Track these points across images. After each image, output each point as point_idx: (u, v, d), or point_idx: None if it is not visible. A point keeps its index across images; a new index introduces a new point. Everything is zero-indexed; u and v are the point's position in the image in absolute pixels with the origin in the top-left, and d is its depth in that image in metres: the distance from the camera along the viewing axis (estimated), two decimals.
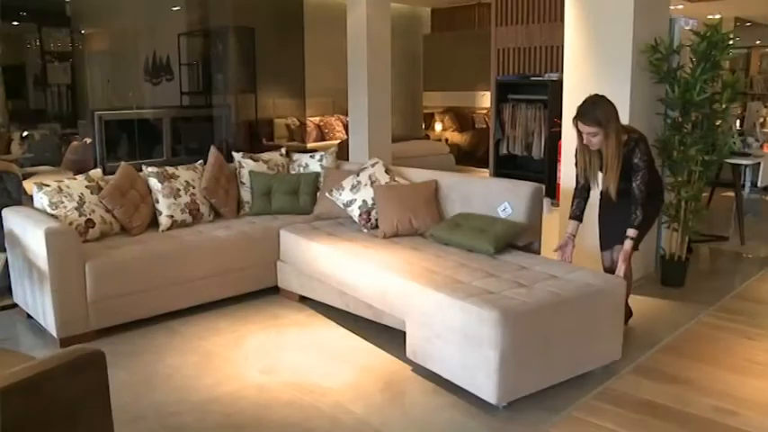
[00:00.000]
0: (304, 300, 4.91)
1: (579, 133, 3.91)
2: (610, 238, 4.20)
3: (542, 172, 7.23)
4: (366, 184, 4.98)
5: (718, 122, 5.10)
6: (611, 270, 4.11)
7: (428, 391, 3.60)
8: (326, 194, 5.13)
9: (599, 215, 4.33)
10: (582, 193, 4.17)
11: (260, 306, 4.86)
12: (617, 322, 3.74)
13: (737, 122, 7.44)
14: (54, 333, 4.18)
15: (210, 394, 3.56)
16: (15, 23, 8.80)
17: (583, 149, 4.00)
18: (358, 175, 5.08)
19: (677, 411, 3.32)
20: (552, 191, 6.17)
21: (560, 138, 5.45)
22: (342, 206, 5.00)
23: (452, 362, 3.48)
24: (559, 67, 6.71)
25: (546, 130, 7.30)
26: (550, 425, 3.22)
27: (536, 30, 7.76)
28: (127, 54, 9.61)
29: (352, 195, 4.97)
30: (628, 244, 3.91)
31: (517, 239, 4.27)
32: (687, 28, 5.31)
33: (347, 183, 5.06)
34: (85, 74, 9.45)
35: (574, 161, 4.16)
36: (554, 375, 3.53)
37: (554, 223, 5.43)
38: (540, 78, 7.46)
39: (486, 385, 3.31)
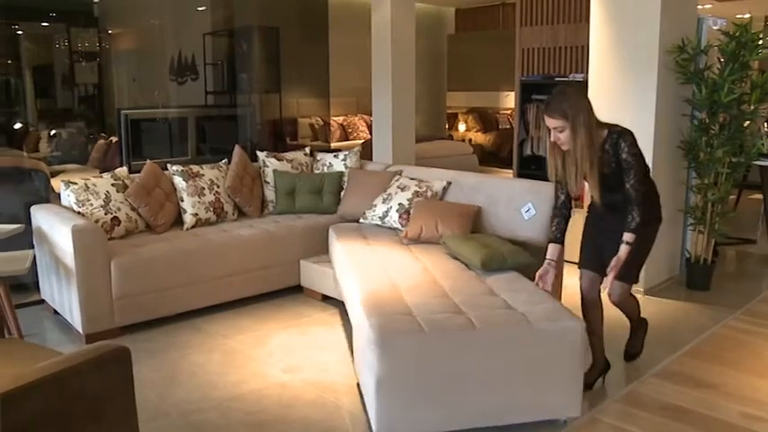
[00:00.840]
0: (327, 299, 4.93)
1: (548, 130, 3.38)
2: (591, 256, 3.60)
3: None
4: (397, 193, 5.00)
5: (746, 123, 5.04)
6: (590, 298, 3.59)
7: None
8: (361, 220, 5.11)
9: (584, 229, 3.76)
10: (561, 210, 3.60)
11: (283, 305, 4.88)
12: (571, 372, 3.11)
13: (766, 124, 7.33)
14: (80, 329, 4.23)
15: (234, 392, 3.58)
16: (45, 24, 8.92)
17: (553, 150, 3.42)
18: (385, 191, 5.09)
19: (703, 416, 3.28)
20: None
21: None
22: (380, 221, 4.96)
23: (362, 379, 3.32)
24: (584, 68, 6.66)
25: None
26: (573, 428, 3.20)
27: (561, 30, 7.70)
28: (153, 54, 9.69)
29: (386, 206, 4.97)
30: (623, 250, 3.32)
31: (521, 266, 3.86)
32: (715, 28, 5.25)
33: (377, 200, 5.08)
34: (112, 73, 9.54)
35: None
36: (464, 419, 3.05)
37: (577, 225, 5.38)
38: (565, 79, 7.40)
39: (370, 412, 3.06)
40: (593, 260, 3.55)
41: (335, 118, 10.58)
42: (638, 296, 4.97)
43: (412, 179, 5.11)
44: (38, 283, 4.84)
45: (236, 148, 5.55)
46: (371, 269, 3.93)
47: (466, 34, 12.12)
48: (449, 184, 4.98)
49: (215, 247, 4.69)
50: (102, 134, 8.67)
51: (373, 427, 3.03)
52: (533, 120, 7.69)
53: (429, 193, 4.91)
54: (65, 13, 8.81)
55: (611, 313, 3.77)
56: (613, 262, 3.34)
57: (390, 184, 5.17)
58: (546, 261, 3.58)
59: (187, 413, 3.40)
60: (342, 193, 5.48)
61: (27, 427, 2.16)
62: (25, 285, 5.01)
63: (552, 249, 3.58)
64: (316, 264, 4.93)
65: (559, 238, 3.60)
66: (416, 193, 4.93)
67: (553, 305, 3.27)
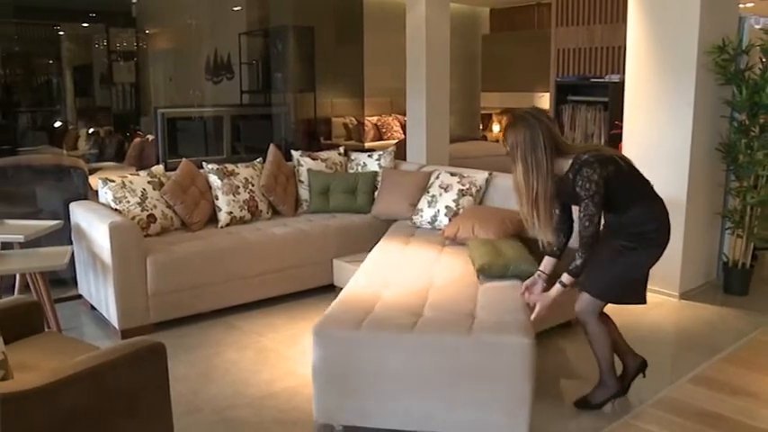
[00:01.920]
0: None
1: None
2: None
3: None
4: (441, 194, 4.99)
5: None
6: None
7: None
8: (409, 222, 5.11)
9: None
10: (560, 225, 3.34)
11: (316, 303, 4.90)
12: (513, 391, 2.93)
13: None
14: (116, 324, 4.30)
15: (266, 390, 3.61)
16: (85, 25, 9.07)
17: None
18: (428, 192, 5.09)
19: (740, 424, 3.22)
20: None
21: (621, 140, 5.36)
22: (429, 225, 4.94)
23: None
24: (621, 69, 6.59)
25: (606, 133, 7.18)
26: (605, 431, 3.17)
27: (597, 30, 7.63)
28: (189, 53, 9.79)
29: (434, 210, 4.96)
30: (554, 290, 3.20)
31: (525, 275, 3.60)
32: (758, 27, 5.15)
33: (422, 204, 5.07)
34: (149, 72, 9.66)
35: None
36: (400, 419, 3.03)
37: None
38: (601, 80, 7.34)
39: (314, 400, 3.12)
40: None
41: (369, 118, 10.59)
42: (673, 300, 4.93)
43: (453, 175, 5.11)
44: (76, 278, 4.92)
45: (271, 147, 5.59)
46: (380, 268, 3.96)
47: (501, 34, 12.06)
48: (491, 175, 4.98)
49: (249, 245, 4.73)
50: (139, 132, 8.78)
51: (314, 412, 3.10)
52: (568, 121, 7.62)
53: (473, 189, 4.90)
54: (104, 13, 8.95)
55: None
56: (541, 301, 3.23)
57: (431, 183, 5.17)
58: (537, 272, 3.44)
59: (220, 410, 3.43)
60: (375, 194, 5.49)
61: (64, 420, 2.20)
62: (64, 280, 5.10)
63: (546, 261, 3.41)
64: (349, 263, 4.94)
65: (555, 253, 3.38)
66: (461, 192, 4.92)
67: (516, 318, 3.11)
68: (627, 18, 5.18)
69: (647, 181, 3.27)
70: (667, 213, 3.28)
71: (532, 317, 3.18)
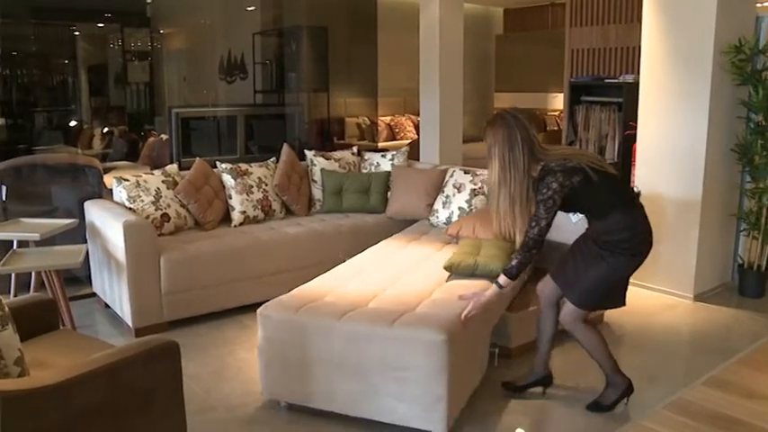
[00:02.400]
0: None
1: None
2: (558, 264, 3.43)
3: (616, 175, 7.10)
4: (454, 194, 5.01)
5: None
6: (542, 302, 3.47)
7: None
8: (426, 221, 5.14)
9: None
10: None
11: None
12: (428, 385, 2.99)
13: None
14: (129, 322, 4.32)
15: None
16: (100, 25, 9.12)
17: None
18: (443, 192, 5.11)
19: (755, 427, 3.18)
20: None
21: (635, 141, 5.34)
22: (444, 226, 4.92)
23: None
24: (635, 69, 6.55)
25: (620, 134, 7.14)
26: None
27: (612, 30, 7.60)
28: (203, 53, 9.83)
29: (448, 211, 4.99)
30: (490, 291, 3.24)
31: (494, 275, 3.49)
32: None
33: (437, 204, 5.11)
34: (163, 72, 9.70)
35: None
36: (334, 402, 3.20)
37: None
38: (615, 80, 7.30)
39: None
40: (557, 269, 3.41)
41: (383, 118, 10.59)
42: (688, 302, 4.90)
43: (466, 173, 5.12)
44: (90, 276, 4.95)
45: (285, 147, 5.60)
46: (361, 263, 4.08)
47: (514, 34, 12.02)
48: None
49: (262, 244, 4.74)
50: (153, 132, 8.83)
51: (261, 387, 3.38)
52: (582, 122, 7.59)
53: (486, 188, 4.91)
54: (119, 13, 8.99)
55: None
56: (473, 302, 3.22)
57: (445, 182, 5.19)
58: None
59: (233, 408, 3.44)
60: (389, 194, 5.49)
61: (79, 417, 2.21)
62: (78, 279, 5.13)
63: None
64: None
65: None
66: (473, 192, 4.94)
67: (444, 315, 3.14)
68: (642, 18, 5.16)
69: (626, 189, 3.29)
70: (645, 223, 3.27)
71: (462, 315, 3.17)
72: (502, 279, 3.20)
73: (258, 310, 3.36)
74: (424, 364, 2.99)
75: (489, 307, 3.31)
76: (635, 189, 3.35)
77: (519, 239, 3.18)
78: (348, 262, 4.16)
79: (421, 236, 4.78)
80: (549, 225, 3.08)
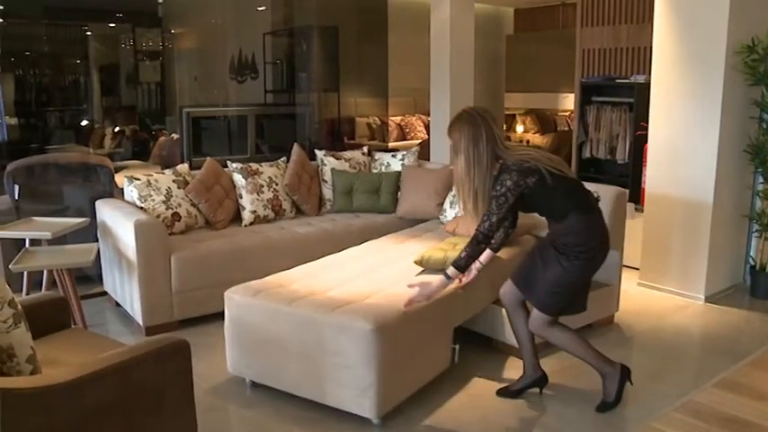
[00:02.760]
0: None
1: None
2: (519, 267, 3.50)
3: (626, 176, 7.05)
4: None
5: None
6: (505, 304, 3.53)
7: None
8: (437, 220, 5.18)
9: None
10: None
11: None
12: (359, 373, 3.12)
13: None
14: (140, 321, 4.34)
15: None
16: (112, 25, 9.15)
17: None
18: (452, 190, 5.13)
19: (766, 430, 3.17)
20: (636, 196, 6.01)
21: (646, 141, 5.32)
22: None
23: None
24: (646, 69, 6.52)
25: (631, 134, 7.11)
26: None
27: (623, 30, 7.56)
28: (214, 53, 9.85)
29: (455, 210, 5.01)
30: (437, 280, 3.31)
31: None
32: None
33: (446, 204, 5.16)
34: (174, 72, 9.72)
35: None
36: (287, 382, 3.41)
37: (637, 229, 5.29)
38: (626, 80, 7.26)
39: None
40: (518, 272, 3.47)
41: (393, 118, 10.58)
42: (699, 303, 4.88)
43: None
44: (101, 275, 4.97)
45: (295, 147, 5.61)
46: (343, 257, 4.22)
47: (525, 34, 11.99)
48: None
49: (273, 244, 4.75)
50: (164, 131, 8.85)
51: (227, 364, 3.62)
52: (593, 122, 7.57)
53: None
54: (131, 13, 9.02)
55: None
56: (419, 290, 3.30)
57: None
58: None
59: (243, 407, 3.45)
60: (399, 193, 5.49)
61: (90, 415, 2.22)
62: (89, 277, 5.16)
63: (486, 254, 3.50)
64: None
65: (493, 246, 3.48)
66: None
67: (383, 305, 3.27)
68: (653, 18, 5.14)
69: (584, 194, 3.29)
70: (600, 227, 3.29)
71: (407, 302, 3.27)
72: (450, 270, 3.27)
73: (225, 292, 3.59)
74: (355, 352, 3.11)
75: (434, 297, 3.34)
76: (595, 195, 3.37)
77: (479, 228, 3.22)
78: (338, 254, 4.29)
79: (424, 233, 4.81)
80: (499, 221, 3.17)
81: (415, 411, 3.38)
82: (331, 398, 3.26)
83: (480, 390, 3.65)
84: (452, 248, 3.91)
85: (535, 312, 3.33)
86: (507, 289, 3.49)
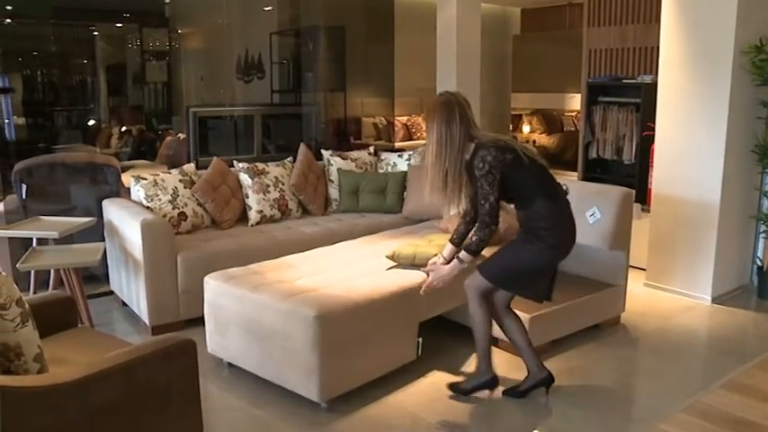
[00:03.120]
0: None
1: None
2: (486, 261, 3.50)
3: (633, 177, 7.03)
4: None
5: None
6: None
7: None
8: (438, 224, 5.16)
9: None
10: (464, 218, 3.52)
11: None
12: (305, 358, 3.28)
13: None
14: (146, 320, 4.35)
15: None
16: (119, 25, 9.17)
17: None
18: None
19: None
20: (643, 196, 6.00)
21: (653, 142, 5.30)
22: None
23: None
24: (653, 69, 6.51)
25: (638, 134, 7.10)
26: None
27: (630, 30, 7.54)
28: (220, 52, 9.86)
29: (454, 210, 4.98)
30: (452, 264, 3.42)
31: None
32: None
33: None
34: (181, 72, 9.74)
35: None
36: (251, 364, 3.62)
37: (644, 229, 5.28)
38: (633, 81, 7.25)
39: None
40: (483, 261, 3.50)
41: (399, 118, 10.58)
42: (705, 304, 4.87)
43: None
44: (108, 274, 4.99)
45: (301, 147, 5.62)
46: (327, 250, 4.36)
47: (531, 35, 11.97)
48: None
49: (279, 243, 4.75)
50: (171, 131, 8.87)
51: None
52: (600, 122, 7.55)
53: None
54: (138, 13, 9.04)
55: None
56: (432, 268, 3.50)
57: None
58: (437, 255, 3.63)
59: (248, 407, 3.45)
60: (405, 193, 5.49)
61: (96, 414, 2.23)
62: (96, 277, 5.17)
63: (447, 249, 3.56)
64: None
65: (455, 241, 3.53)
66: None
67: (330, 295, 3.44)
68: (660, 18, 5.12)
69: (551, 180, 3.34)
70: (566, 217, 3.34)
71: (423, 286, 3.48)
72: (463, 255, 3.35)
73: (204, 277, 3.84)
74: (301, 337, 3.28)
75: (448, 280, 3.45)
76: (563, 186, 3.41)
77: (451, 212, 3.30)
78: (328, 246, 4.46)
79: (421, 230, 4.86)
80: (497, 200, 3.20)
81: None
82: (285, 380, 3.45)
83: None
84: (427, 244, 4.00)
85: (477, 274, 3.39)
86: (472, 279, 3.45)
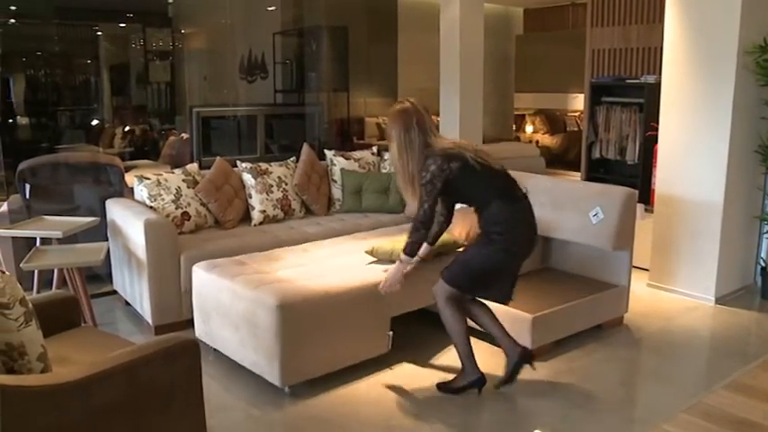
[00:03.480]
0: None
1: None
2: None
3: (636, 177, 7.03)
4: None
5: None
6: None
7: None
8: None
9: None
10: (438, 217, 3.61)
11: None
12: (267, 342, 3.45)
13: None
14: (149, 320, 4.35)
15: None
16: (122, 25, 9.19)
17: None
18: None
19: None
20: (646, 196, 5.99)
21: (656, 142, 5.30)
22: None
23: None
24: (657, 70, 6.51)
25: (641, 134, 7.09)
26: None
27: (633, 30, 7.54)
28: (223, 52, 9.86)
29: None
30: (394, 266, 3.61)
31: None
32: None
33: None
34: (184, 72, 9.75)
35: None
36: (224, 346, 3.83)
37: (647, 230, 5.27)
38: (636, 81, 7.25)
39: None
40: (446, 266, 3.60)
41: None
42: (709, 305, 4.86)
43: None
44: (111, 274, 4.99)
45: (304, 147, 5.62)
46: (315, 245, 4.52)
47: (534, 35, 11.97)
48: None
49: (282, 243, 4.74)
50: (174, 131, 8.88)
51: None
52: (603, 122, 7.55)
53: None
54: (141, 13, 9.06)
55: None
56: (386, 269, 3.71)
57: None
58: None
59: (251, 407, 3.46)
60: None
61: (99, 413, 2.23)
62: (99, 276, 5.18)
63: (423, 248, 3.63)
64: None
65: (429, 241, 3.67)
66: None
67: (302, 287, 3.59)
68: (664, 18, 5.12)
69: (509, 184, 3.44)
70: (522, 220, 3.43)
71: (381, 286, 3.63)
72: (402, 256, 3.52)
73: (192, 266, 4.06)
74: (264, 324, 3.45)
75: (394, 281, 3.61)
76: (522, 188, 3.48)
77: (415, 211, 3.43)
78: (320, 241, 4.66)
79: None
80: (431, 208, 3.37)
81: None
82: (254, 365, 3.62)
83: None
84: (399, 242, 4.03)
85: (440, 281, 3.49)
86: (437, 285, 3.54)
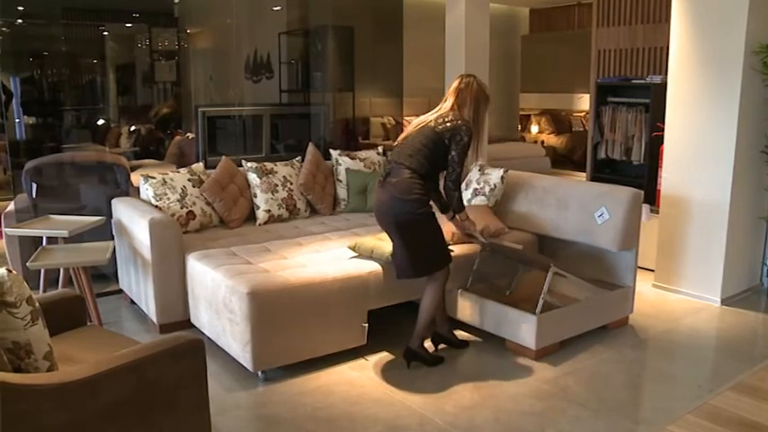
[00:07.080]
0: None
1: None
2: None
3: (642, 177, 7.01)
4: (463, 190, 5.05)
5: None
6: None
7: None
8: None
9: None
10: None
11: None
12: (244, 331, 3.66)
13: None
14: (154, 319, 4.36)
15: (302, 387, 3.63)
16: (128, 25, 9.21)
17: None
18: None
19: None
20: (652, 197, 5.98)
21: (662, 142, 5.29)
22: None
23: None
24: (663, 70, 6.49)
25: (647, 135, 7.07)
26: None
27: (639, 30, 7.52)
28: (229, 52, 9.87)
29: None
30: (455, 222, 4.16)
31: (386, 262, 4.10)
32: None
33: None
34: (189, 71, 9.75)
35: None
36: (210, 333, 4.06)
37: (653, 230, 5.26)
38: (642, 81, 7.23)
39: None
40: None
41: (408, 118, 10.57)
42: (714, 306, 4.86)
43: (479, 171, 5.17)
44: (117, 273, 5.00)
45: (310, 146, 5.62)
46: (307, 240, 4.65)
47: (540, 35, 11.96)
48: (506, 173, 5.02)
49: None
50: (179, 130, 8.89)
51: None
52: (609, 123, 7.53)
53: (486, 189, 4.97)
54: (147, 13, 9.07)
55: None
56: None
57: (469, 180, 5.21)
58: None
59: (256, 406, 3.46)
60: None
61: (106, 411, 2.23)
62: (105, 275, 5.19)
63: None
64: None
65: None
66: (475, 191, 5.02)
67: (277, 277, 3.75)
68: (670, 18, 5.11)
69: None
70: (377, 200, 3.87)
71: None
72: (459, 214, 4.05)
73: (187, 254, 4.28)
74: (238, 310, 3.64)
75: (463, 232, 4.22)
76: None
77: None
78: (315, 235, 4.80)
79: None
80: None
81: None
82: (230, 349, 3.82)
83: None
84: (389, 240, 4.08)
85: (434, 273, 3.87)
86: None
